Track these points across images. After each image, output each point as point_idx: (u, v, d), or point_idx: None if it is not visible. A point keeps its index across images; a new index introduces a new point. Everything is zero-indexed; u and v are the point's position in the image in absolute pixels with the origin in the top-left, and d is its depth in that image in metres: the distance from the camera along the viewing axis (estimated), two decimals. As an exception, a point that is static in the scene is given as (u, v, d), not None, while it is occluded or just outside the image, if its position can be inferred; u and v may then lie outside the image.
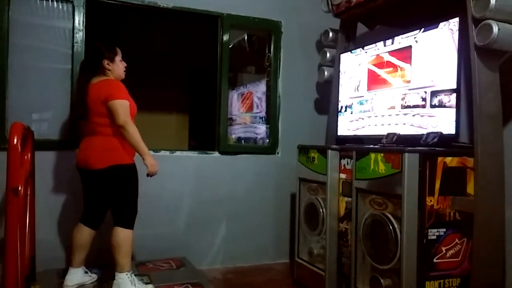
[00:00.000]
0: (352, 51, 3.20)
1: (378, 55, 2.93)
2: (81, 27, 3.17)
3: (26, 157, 2.33)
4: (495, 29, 2.05)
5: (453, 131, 2.34)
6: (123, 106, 2.44)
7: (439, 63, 2.44)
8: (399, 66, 2.74)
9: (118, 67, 2.61)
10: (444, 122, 2.39)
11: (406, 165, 2.18)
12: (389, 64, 2.82)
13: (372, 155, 2.41)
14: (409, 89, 2.63)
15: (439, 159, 2.23)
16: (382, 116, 2.85)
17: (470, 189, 2.26)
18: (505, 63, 2.39)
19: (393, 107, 2.76)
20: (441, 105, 2.41)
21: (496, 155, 2.21)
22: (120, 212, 2.58)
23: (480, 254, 2.19)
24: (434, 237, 2.21)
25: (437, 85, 2.45)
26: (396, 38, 2.76)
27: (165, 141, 5.24)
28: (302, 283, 3.15)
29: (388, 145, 2.58)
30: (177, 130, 5.90)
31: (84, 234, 2.66)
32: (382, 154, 2.34)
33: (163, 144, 4.63)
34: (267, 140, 3.92)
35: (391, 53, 2.80)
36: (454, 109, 2.34)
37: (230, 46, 3.72)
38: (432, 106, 2.47)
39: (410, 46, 2.65)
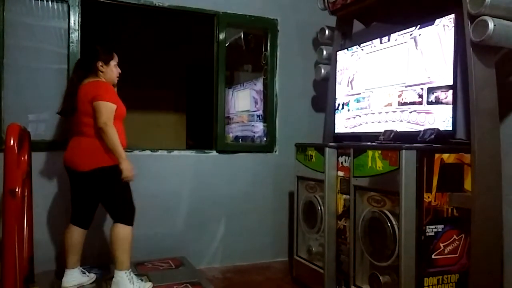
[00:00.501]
0: (349, 49, 3.20)
1: (374, 52, 2.93)
2: (77, 27, 3.16)
3: (23, 158, 2.32)
4: (491, 25, 2.05)
5: (450, 128, 2.35)
6: (107, 108, 2.45)
7: (436, 59, 2.45)
8: (395, 63, 2.74)
9: (111, 71, 2.64)
10: (441, 118, 2.39)
11: (404, 162, 2.18)
12: (385, 61, 2.82)
13: (370, 153, 2.41)
14: (406, 86, 2.64)
15: (436, 155, 2.23)
16: (379, 113, 2.86)
17: (468, 185, 2.26)
18: (501, 59, 2.40)
19: (390, 104, 2.76)
20: (437, 101, 2.42)
21: (493, 151, 2.21)
22: (117, 210, 2.60)
23: (478, 250, 2.20)
24: (432, 234, 2.22)
25: (433, 82, 2.45)
26: (392, 35, 2.76)
27: (163, 140, 5.25)
28: (301, 281, 3.16)
29: (385, 142, 2.58)
30: (175, 129, 5.89)
31: (75, 234, 2.67)
32: (379, 151, 2.34)
33: (161, 143, 4.64)
34: (265, 139, 3.92)
35: (388, 50, 2.80)
36: (451, 106, 2.34)
37: (226, 45, 3.72)
38: (429, 103, 2.47)
39: (406, 43, 2.65)
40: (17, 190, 1.89)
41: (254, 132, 4.20)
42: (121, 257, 2.54)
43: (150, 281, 2.78)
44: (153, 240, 3.39)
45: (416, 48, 2.58)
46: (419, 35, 2.56)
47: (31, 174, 2.66)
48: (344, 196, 2.74)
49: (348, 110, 3.18)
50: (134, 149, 3.47)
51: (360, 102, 3.05)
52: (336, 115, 3.30)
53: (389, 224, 2.27)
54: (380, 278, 2.30)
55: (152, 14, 4.27)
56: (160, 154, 3.47)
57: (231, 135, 4.51)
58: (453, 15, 2.35)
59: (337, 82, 3.31)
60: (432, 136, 2.34)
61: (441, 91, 2.40)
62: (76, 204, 2.71)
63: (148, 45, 5.40)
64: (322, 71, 3.56)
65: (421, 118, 2.52)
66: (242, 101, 4.83)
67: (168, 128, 5.81)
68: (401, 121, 2.66)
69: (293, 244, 3.25)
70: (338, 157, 2.80)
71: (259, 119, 4.10)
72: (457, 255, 2.28)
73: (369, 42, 2.97)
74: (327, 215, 2.83)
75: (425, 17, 2.53)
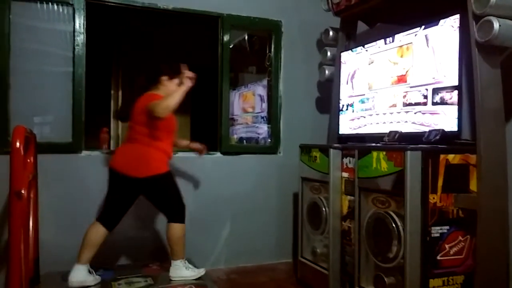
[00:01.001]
0: (353, 50, 3.20)
1: (378, 53, 2.92)
2: (82, 30, 3.17)
3: (29, 160, 2.34)
4: (496, 25, 2.04)
5: (455, 128, 2.34)
6: (157, 102, 2.56)
7: (440, 60, 2.44)
8: (400, 64, 2.73)
9: (173, 86, 2.81)
10: (446, 119, 2.39)
11: (409, 163, 2.17)
12: (390, 62, 2.82)
13: (374, 154, 2.40)
14: (411, 87, 2.63)
15: (442, 156, 2.22)
16: (384, 114, 2.85)
17: (473, 186, 2.25)
18: (506, 59, 2.39)
19: (394, 105, 2.76)
20: (442, 102, 2.41)
21: (498, 152, 2.20)
22: (171, 212, 2.83)
23: (483, 251, 2.18)
24: (438, 235, 2.21)
25: (438, 82, 2.44)
26: (396, 35, 2.76)
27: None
28: (305, 283, 3.15)
29: (390, 143, 2.57)
30: (179, 130, 5.85)
31: (97, 233, 2.71)
32: (384, 152, 2.34)
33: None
34: (269, 140, 3.92)
35: (392, 50, 2.80)
36: (456, 106, 2.34)
37: (230, 47, 3.72)
38: (434, 104, 2.46)
39: (411, 44, 2.64)
40: (23, 192, 1.91)
41: (259, 134, 4.20)
42: (176, 249, 2.81)
43: (155, 282, 2.79)
44: (158, 241, 3.39)
45: (421, 48, 2.58)
46: (424, 35, 2.55)
47: (37, 176, 2.68)
48: (348, 197, 2.73)
49: (353, 111, 3.17)
50: (139, 151, 3.48)
51: (364, 103, 3.05)
52: (341, 116, 3.30)
53: (394, 225, 2.26)
54: (385, 279, 2.29)
55: (157, 16, 4.28)
56: (164, 155, 3.47)
57: (235, 136, 4.51)
58: (458, 16, 2.34)
59: (341, 83, 3.31)
60: (437, 137, 2.33)
61: (446, 92, 2.39)
62: (110, 206, 2.79)
63: (152, 47, 5.41)
64: (326, 72, 3.55)
65: (426, 119, 2.51)
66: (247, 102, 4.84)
67: (173, 130, 5.81)
68: (406, 122, 2.65)
69: (298, 246, 3.25)
70: (342, 158, 2.80)
71: (264, 120, 4.10)
72: (462, 256, 2.26)
73: (374, 43, 2.96)
74: (332, 216, 2.82)
75: (430, 18, 2.52)
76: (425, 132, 2.44)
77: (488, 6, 2.06)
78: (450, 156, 2.24)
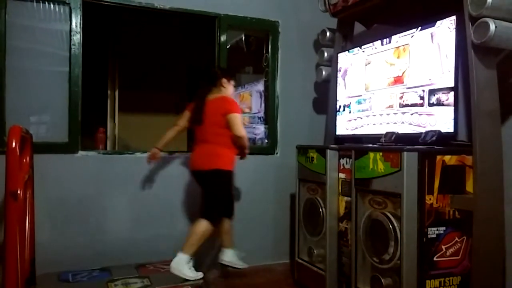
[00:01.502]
0: (350, 50, 3.21)
1: (375, 54, 2.93)
2: (78, 29, 3.16)
3: (25, 160, 2.33)
4: (492, 27, 2.05)
5: (451, 129, 2.35)
6: (239, 120, 2.96)
7: (437, 61, 2.45)
8: (396, 65, 2.74)
9: (231, 88, 3.14)
10: (442, 120, 2.39)
11: (405, 164, 2.18)
12: (386, 63, 2.82)
13: (371, 154, 2.41)
14: (407, 88, 2.63)
15: (438, 157, 2.23)
16: (381, 115, 2.85)
17: (469, 187, 2.26)
18: (502, 61, 2.40)
19: (391, 106, 2.76)
20: (439, 103, 2.42)
21: (494, 153, 2.21)
22: (209, 208, 2.99)
23: (480, 252, 2.19)
24: (434, 236, 2.21)
25: (435, 84, 2.45)
26: (393, 37, 2.76)
27: (164, 143, 5.23)
28: (302, 283, 3.15)
29: (387, 144, 2.58)
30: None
31: (224, 224, 3.10)
32: (381, 153, 2.34)
33: (162, 145, 4.62)
34: (266, 141, 3.92)
35: (389, 51, 2.80)
36: (452, 107, 2.34)
37: (227, 47, 3.72)
38: (430, 105, 2.47)
39: (408, 45, 2.65)
40: (19, 192, 1.89)
41: (255, 134, 4.20)
42: (191, 244, 2.89)
43: (151, 283, 2.78)
44: (154, 241, 3.39)
45: (417, 50, 2.58)
46: (421, 37, 2.56)
47: (33, 176, 2.66)
48: (345, 198, 2.73)
49: (350, 112, 3.17)
50: (135, 151, 3.48)
51: (361, 104, 3.05)
52: (338, 117, 3.30)
53: (390, 226, 2.27)
54: (382, 280, 2.29)
55: (154, 16, 4.27)
56: (162, 156, 3.46)
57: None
58: (454, 17, 2.35)
59: (338, 84, 3.31)
60: (434, 138, 2.34)
61: (443, 93, 2.39)
62: (205, 202, 3.08)
63: (149, 47, 5.40)
64: (323, 73, 3.56)
65: (423, 120, 2.51)
66: (244, 103, 4.83)
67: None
68: (403, 123, 2.66)
69: (295, 246, 3.25)
70: (339, 159, 2.80)
71: (260, 121, 4.10)
72: (459, 257, 2.27)
73: (370, 44, 2.97)
74: (329, 217, 2.82)
75: (426, 19, 2.53)
76: (421, 133, 2.45)
77: (484, 8, 2.07)
78: (447, 157, 2.24)
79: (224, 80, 3.10)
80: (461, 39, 2.30)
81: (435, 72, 2.45)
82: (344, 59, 3.26)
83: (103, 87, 5.47)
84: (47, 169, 3.02)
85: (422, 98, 2.53)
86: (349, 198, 2.66)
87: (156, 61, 5.54)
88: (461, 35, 2.29)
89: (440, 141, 2.33)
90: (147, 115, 5.53)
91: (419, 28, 2.57)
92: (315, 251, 2.96)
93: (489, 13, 2.08)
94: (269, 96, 3.87)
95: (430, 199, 2.21)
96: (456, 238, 2.26)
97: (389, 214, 2.30)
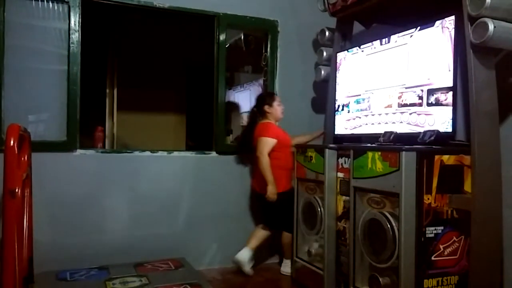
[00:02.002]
0: (349, 50, 3.21)
1: (374, 53, 2.93)
2: (77, 28, 3.16)
3: (23, 158, 2.32)
4: (491, 27, 2.05)
5: (450, 129, 2.35)
6: (263, 143, 3.24)
7: (436, 61, 2.45)
8: (395, 65, 2.74)
9: (275, 110, 3.39)
10: (441, 120, 2.40)
11: (404, 163, 2.18)
12: (385, 63, 2.82)
13: (370, 154, 2.41)
14: (406, 88, 2.64)
15: (436, 157, 2.23)
16: (379, 114, 2.86)
17: (467, 187, 2.26)
18: (501, 61, 2.40)
19: (390, 106, 2.77)
20: (437, 103, 2.42)
21: (493, 153, 2.21)
22: (280, 224, 3.39)
23: (477, 251, 2.19)
24: (432, 235, 2.22)
25: (433, 83, 2.45)
26: (392, 36, 2.77)
27: (163, 141, 5.24)
28: (300, 283, 3.16)
29: (385, 144, 2.58)
30: (175, 130, 5.89)
31: (262, 232, 3.45)
32: (379, 153, 2.34)
33: (161, 144, 4.64)
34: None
35: (388, 51, 2.81)
36: (451, 107, 2.35)
37: (226, 46, 3.72)
38: (429, 104, 2.47)
39: (407, 44, 2.65)
40: (17, 190, 1.89)
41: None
42: (254, 243, 3.39)
43: (149, 282, 2.78)
44: (152, 241, 3.38)
45: (416, 49, 2.59)
46: (419, 36, 2.56)
47: (31, 174, 2.66)
48: (344, 197, 2.74)
49: (348, 112, 3.18)
50: (134, 150, 3.48)
51: (360, 103, 3.05)
52: (336, 117, 3.30)
53: (389, 226, 2.27)
54: (380, 280, 2.30)
55: (153, 15, 4.27)
56: (160, 155, 3.47)
57: (231, 136, 4.51)
58: (453, 17, 2.35)
59: (337, 83, 3.32)
60: (432, 138, 2.34)
61: (441, 93, 2.40)
62: (263, 214, 3.53)
63: (148, 46, 5.39)
64: (322, 72, 3.56)
65: (421, 120, 2.52)
66: (242, 102, 4.84)
67: (168, 129, 5.81)
68: (401, 122, 2.66)
69: (293, 245, 3.25)
70: (338, 159, 2.81)
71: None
72: (457, 257, 2.28)
73: (369, 44, 2.97)
74: (327, 217, 2.83)
75: (425, 19, 2.53)
76: (420, 133, 2.45)
77: (483, 8, 2.07)
78: (445, 157, 2.25)
79: (266, 107, 3.38)
80: (460, 39, 2.30)
81: (434, 72, 2.45)
82: (343, 58, 3.26)
83: (102, 86, 5.46)
84: (45, 167, 3.01)
85: (420, 98, 2.53)
86: (347, 198, 2.66)
87: (155, 60, 5.53)
88: (460, 35, 2.30)
89: (439, 141, 2.33)
90: (146, 114, 5.52)
91: (418, 28, 2.57)
92: (313, 250, 2.97)
93: (488, 13, 2.08)
94: (268, 96, 3.87)
95: (428, 198, 2.21)
96: (454, 238, 2.27)
97: (387, 214, 2.30)
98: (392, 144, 2.54)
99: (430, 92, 2.47)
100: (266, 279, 3.36)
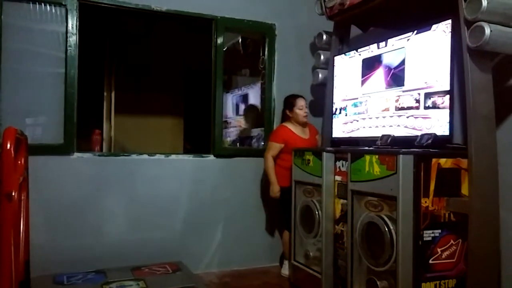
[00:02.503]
0: (346, 53, 3.22)
1: (371, 57, 2.94)
2: (75, 31, 3.16)
3: (19, 162, 2.31)
4: (487, 31, 2.06)
5: (447, 133, 2.36)
6: (268, 146, 3.45)
7: (432, 65, 2.46)
8: (392, 68, 2.75)
9: (297, 114, 3.43)
10: (438, 123, 2.40)
11: (401, 166, 2.18)
12: (382, 66, 2.83)
13: (367, 157, 2.41)
14: (403, 91, 2.64)
15: (434, 160, 2.24)
16: (377, 118, 2.86)
17: (465, 190, 2.27)
18: (497, 64, 2.42)
19: (387, 109, 2.77)
20: (434, 106, 2.43)
21: (490, 156, 2.22)
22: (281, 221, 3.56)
23: (475, 255, 2.20)
24: (430, 239, 2.22)
25: (430, 87, 2.46)
26: (389, 40, 2.77)
27: (160, 145, 5.23)
28: (298, 286, 3.15)
29: (382, 147, 2.58)
30: (172, 133, 5.88)
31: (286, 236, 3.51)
32: (377, 156, 2.34)
33: (158, 147, 4.63)
34: (262, 143, 3.92)
35: (385, 55, 2.81)
36: (448, 111, 2.35)
37: (224, 49, 3.72)
38: (426, 108, 2.48)
39: (403, 48, 2.66)
40: (13, 194, 1.88)
41: (252, 137, 4.21)
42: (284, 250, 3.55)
43: (147, 286, 2.77)
44: (150, 244, 3.38)
45: (413, 53, 2.59)
46: (416, 40, 2.57)
47: (28, 178, 2.65)
48: (341, 200, 2.74)
49: (346, 115, 3.18)
50: (131, 153, 3.47)
51: (357, 106, 3.06)
52: (334, 120, 3.31)
53: (386, 229, 2.27)
54: (378, 283, 2.30)
55: (149, 18, 4.27)
56: (157, 158, 3.46)
57: (228, 139, 4.51)
58: (449, 21, 2.36)
59: (334, 86, 3.32)
60: (429, 141, 2.35)
61: (438, 96, 2.40)
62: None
63: (146, 49, 5.39)
64: (320, 75, 3.56)
65: (418, 123, 2.52)
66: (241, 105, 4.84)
67: (166, 132, 5.80)
68: (399, 126, 2.67)
69: (291, 249, 3.25)
70: (335, 162, 2.81)
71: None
72: (454, 260, 2.28)
73: (366, 47, 2.98)
74: (325, 220, 2.82)
75: (422, 23, 2.54)
76: (417, 136, 2.46)
77: (480, 12, 2.08)
78: (442, 160, 2.25)
79: (287, 111, 3.47)
80: (456, 43, 2.31)
81: (431, 75, 2.46)
82: (341, 62, 3.27)
83: (99, 89, 5.45)
84: (43, 171, 3.00)
85: (418, 101, 2.54)
86: (345, 201, 2.66)
87: (153, 63, 5.53)
88: (456, 39, 2.31)
89: (436, 144, 2.34)
90: (143, 117, 5.51)
91: (415, 31, 2.58)
92: (311, 253, 2.96)
93: (485, 17, 2.09)
94: (265, 99, 3.88)
95: (425, 202, 2.21)
96: (452, 241, 2.27)
97: (385, 217, 2.30)
98: (390, 147, 2.55)
99: (427, 95, 2.47)
100: (264, 282, 3.36)
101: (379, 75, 2.86)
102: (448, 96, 2.35)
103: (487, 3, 2.06)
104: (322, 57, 3.54)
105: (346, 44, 3.43)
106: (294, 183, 3.20)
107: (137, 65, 5.38)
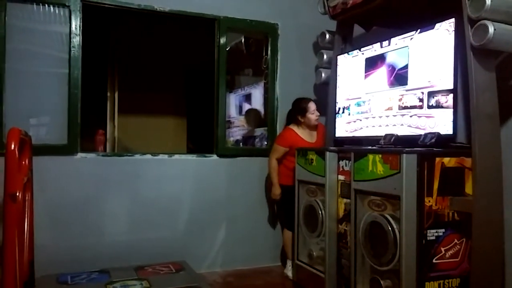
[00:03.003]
0: (349, 53, 3.21)
1: (374, 56, 2.93)
2: (78, 32, 3.17)
3: (23, 162, 2.33)
4: (491, 29, 2.05)
5: (450, 132, 2.35)
6: (273, 149, 3.49)
7: (436, 63, 2.45)
8: (395, 67, 2.74)
9: (309, 119, 3.41)
10: (441, 122, 2.39)
11: (404, 166, 2.18)
12: (386, 65, 2.82)
13: (370, 156, 2.41)
14: (406, 90, 2.64)
15: (437, 159, 2.23)
16: (380, 117, 2.86)
17: (469, 189, 2.26)
18: (501, 63, 2.40)
19: (390, 108, 2.77)
20: (438, 105, 2.42)
21: (493, 155, 2.21)
22: (281, 220, 3.64)
23: (479, 254, 2.19)
24: (433, 238, 2.21)
25: (434, 86, 2.45)
26: (392, 39, 2.77)
27: (164, 144, 5.25)
28: (302, 285, 3.15)
29: (386, 146, 2.58)
30: (175, 133, 5.89)
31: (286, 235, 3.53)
32: (380, 155, 2.34)
33: (162, 147, 4.64)
34: (265, 143, 3.92)
35: (388, 54, 2.81)
36: (452, 110, 2.34)
37: (227, 49, 3.73)
38: (430, 107, 2.47)
39: (407, 47, 2.65)
40: (17, 194, 1.89)
41: (255, 136, 4.21)
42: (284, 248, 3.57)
43: (150, 285, 2.78)
44: (153, 244, 3.38)
45: (417, 52, 2.59)
46: (420, 39, 2.57)
47: (32, 178, 2.66)
48: (345, 200, 2.73)
49: (349, 114, 3.18)
50: (135, 153, 3.48)
51: (360, 106, 3.05)
52: (337, 119, 3.30)
53: (390, 228, 2.26)
54: (381, 282, 2.29)
55: (153, 18, 4.28)
56: (161, 158, 3.47)
57: (231, 139, 4.51)
58: (453, 19, 2.35)
59: (337, 86, 3.32)
60: (433, 140, 2.34)
61: (442, 95, 2.40)
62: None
63: (149, 49, 5.40)
64: (323, 75, 3.56)
65: (422, 122, 2.52)
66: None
67: (169, 132, 5.81)
68: (402, 125, 2.66)
69: (294, 248, 3.25)
70: (338, 161, 2.80)
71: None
72: (458, 259, 2.27)
73: (370, 46, 2.97)
74: (328, 219, 2.82)
75: (425, 21, 2.53)
76: (420, 135, 2.45)
77: (483, 10, 2.07)
78: (446, 159, 2.25)
79: (299, 117, 3.43)
80: (460, 42, 2.30)
81: (434, 74, 2.45)
82: (344, 61, 3.26)
83: (103, 89, 5.47)
84: (46, 171, 3.02)
85: (421, 100, 2.53)
86: (348, 200, 2.66)
87: (156, 63, 5.54)
88: (460, 38, 2.29)
89: (439, 143, 2.33)
90: (147, 117, 5.53)
91: (418, 30, 2.57)
92: (314, 253, 2.96)
93: (488, 16, 2.09)
94: (268, 98, 3.88)
95: (429, 201, 2.21)
96: (455, 240, 2.26)
97: (388, 216, 2.30)
98: (393, 146, 2.54)
99: (431, 94, 2.47)
100: (267, 282, 3.36)
101: (382, 74, 2.86)
102: (451, 95, 2.35)
103: (491, 1, 2.05)
104: (325, 56, 3.54)
105: (349, 43, 3.42)
106: (298, 183, 3.19)
107: (140, 65, 5.39)
